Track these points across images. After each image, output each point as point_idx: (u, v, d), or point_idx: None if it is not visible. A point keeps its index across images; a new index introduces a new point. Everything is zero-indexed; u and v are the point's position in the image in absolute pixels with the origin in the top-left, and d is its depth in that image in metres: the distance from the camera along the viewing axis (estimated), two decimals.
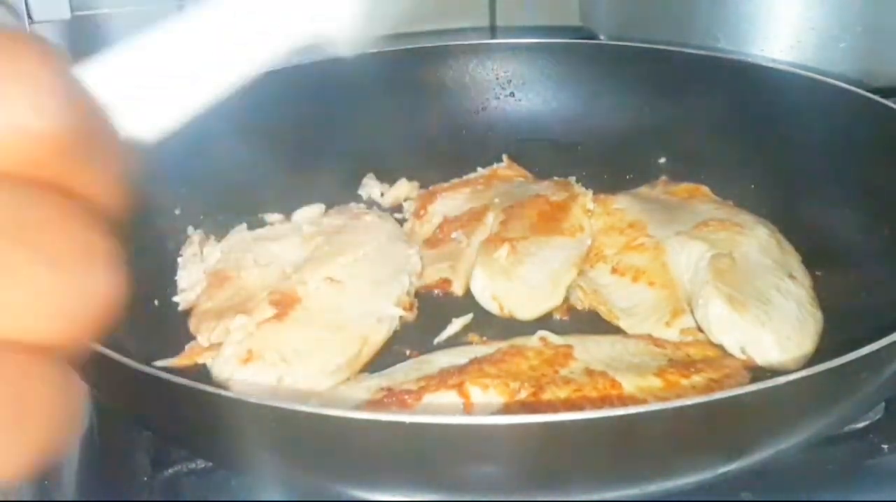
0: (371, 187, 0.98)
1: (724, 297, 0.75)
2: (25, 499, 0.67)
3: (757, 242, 0.82)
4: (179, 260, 0.83)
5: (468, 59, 1.03)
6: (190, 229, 0.86)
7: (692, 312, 0.78)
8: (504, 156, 1.01)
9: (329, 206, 0.93)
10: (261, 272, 0.79)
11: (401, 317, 0.78)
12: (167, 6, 1.16)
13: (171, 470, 0.66)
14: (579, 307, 0.81)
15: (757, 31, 1.05)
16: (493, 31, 1.34)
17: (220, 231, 0.87)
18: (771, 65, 0.98)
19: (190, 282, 0.81)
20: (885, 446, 0.68)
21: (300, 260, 0.81)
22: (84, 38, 1.19)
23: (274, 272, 0.79)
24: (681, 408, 0.52)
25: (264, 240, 0.84)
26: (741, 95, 0.96)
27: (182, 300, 0.80)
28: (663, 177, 0.98)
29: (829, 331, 0.76)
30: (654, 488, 0.57)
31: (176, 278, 0.82)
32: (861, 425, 0.69)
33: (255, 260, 0.81)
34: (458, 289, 0.83)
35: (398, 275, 0.81)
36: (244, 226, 0.87)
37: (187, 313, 0.78)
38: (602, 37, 1.20)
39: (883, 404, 0.70)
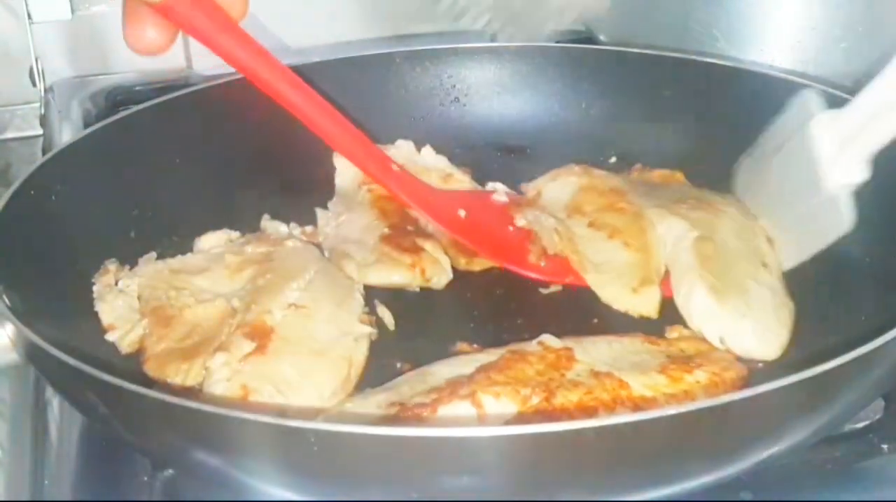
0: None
1: (708, 287, 0.76)
2: (25, 499, 0.68)
3: (732, 223, 0.84)
4: (95, 289, 0.79)
5: (412, 65, 1.02)
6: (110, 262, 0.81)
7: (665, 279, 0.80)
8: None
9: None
10: (206, 309, 0.77)
11: (380, 328, 0.78)
12: None
13: (171, 470, 0.66)
14: (550, 251, 0.83)
15: (757, 32, 1.05)
16: (493, 34, 1.34)
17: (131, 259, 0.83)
18: (713, 60, 0.99)
19: (115, 319, 0.77)
20: (885, 446, 0.68)
21: (242, 292, 0.78)
22: (84, 37, 1.20)
23: (220, 307, 0.77)
24: (724, 405, 0.54)
25: (184, 274, 0.81)
26: (688, 91, 0.96)
27: (121, 342, 0.75)
28: (638, 165, 0.97)
29: (808, 320, 0.77)
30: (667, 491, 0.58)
31: (96, 310, 0.78)
32: (861, 425, 0.69)
33: (193, 296, 0.78)
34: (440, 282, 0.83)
35: (351, 292, 0.80)
36: (153, 254, 0.84)
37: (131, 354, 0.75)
38: (602, 37, 1.20)
39: (883, 404, 0.70)
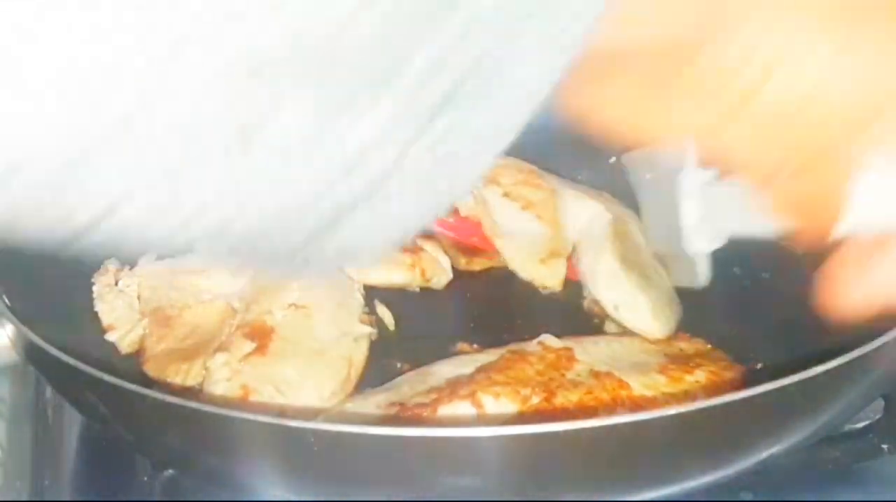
0: None
1: (618, 255, 0.78)
2: (25, 499, 0.68)
3: (639, 226, 0.85)
4: (94, 288, 0.79)
5: None
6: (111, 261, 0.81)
7: (569, 261, 0.82)
8: None
9: None
10: (206, 309, 0.77)
11: (380, 328, 0.78)
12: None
13: (171, 470, 0.66)
14: (462, 213, 0.85)
15: None
16: None
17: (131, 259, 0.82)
18: None
19: (115, 319, 0.77)
20: (885, 446, 0.68)
21: (242, 292, 0.78)
22: None
23: (221, 308, 0.77)
24: (724, 405, 0.54)
25: (185, 274, 0.80)
26: None
27: (121, 342, 0.75)
28: None
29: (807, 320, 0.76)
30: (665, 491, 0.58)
31: (96, 310, 0.77)
32: (861, 425, 0.69)
33: (193, 296, 0.78)
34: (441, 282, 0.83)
35: (351, 292, 0.80)
36: (153, 254, 0.81)
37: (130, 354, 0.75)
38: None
39: (883, 404, 0.70)
